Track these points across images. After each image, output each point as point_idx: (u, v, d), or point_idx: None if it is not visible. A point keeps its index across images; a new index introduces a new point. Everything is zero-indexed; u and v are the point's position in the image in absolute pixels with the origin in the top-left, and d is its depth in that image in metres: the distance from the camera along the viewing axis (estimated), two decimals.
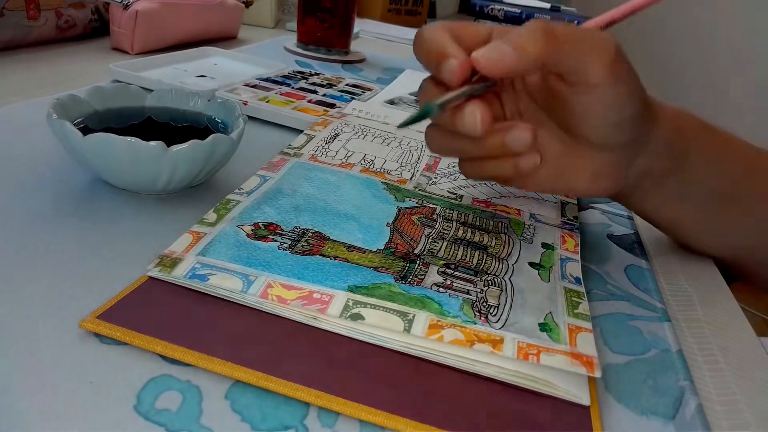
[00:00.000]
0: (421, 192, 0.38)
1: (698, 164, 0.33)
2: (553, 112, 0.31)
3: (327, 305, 0.25)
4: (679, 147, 0.32)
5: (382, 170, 0.40)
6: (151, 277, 0.26)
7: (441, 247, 0.31)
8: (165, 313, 0.24)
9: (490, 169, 0.32)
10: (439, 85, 0.29)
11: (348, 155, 0.41)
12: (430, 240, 0.32)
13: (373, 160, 0.41)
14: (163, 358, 0.22)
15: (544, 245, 0.33)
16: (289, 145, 0.41)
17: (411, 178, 0.39)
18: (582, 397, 0.23)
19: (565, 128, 0.30)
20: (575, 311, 0.27)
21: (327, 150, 0.41)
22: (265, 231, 0.30)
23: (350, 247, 0.30)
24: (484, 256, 0.31)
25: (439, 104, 0.26)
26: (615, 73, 0.27)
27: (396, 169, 0.40)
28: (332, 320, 0.24)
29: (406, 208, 0.35)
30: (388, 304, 0.25)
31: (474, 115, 0.27)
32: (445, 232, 0.33)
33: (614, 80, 0.27)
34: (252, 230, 0.29)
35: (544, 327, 0.26)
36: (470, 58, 0.27)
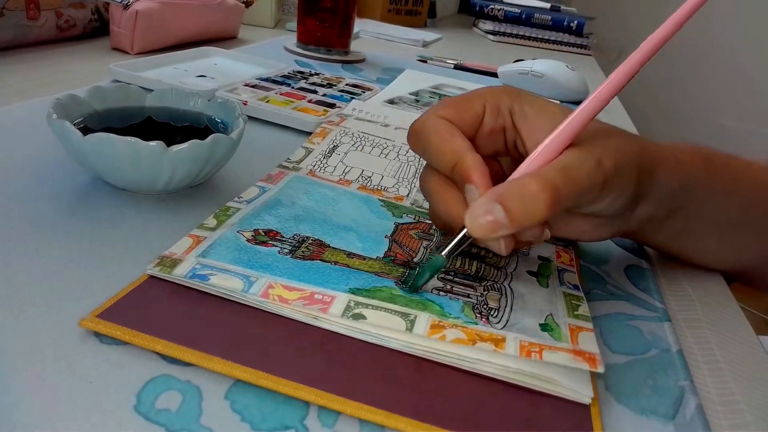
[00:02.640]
0: (417, 208, 0.38)
1: (703, 202, 0.32)
2: None
3: (328, 305, 0.25)
4: (682, 191, 0.31)
5: (379, 187, 0.40)
6: (151, 277, 0.26)
7: None
8: (165, 313, 0.24)
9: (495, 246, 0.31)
10: (447, 182, 0.28)
11: (346, 171, 0.41)
12: (428, 251, 0.32)
13: (370, 177, 0.41)
14: (163, 357, 0.22)
15: (541, 258, 0.33)
16: (288, 158, 0.41)
17: (408, 195, 0.39)
18: (585, 393, 0.22)
19: None
20: (575, 312, 0.27)
21: (325, 165, 0.41)
22: (265, 237, 0.30)
23: (350, 254, 0.30)
24: (482, 265, 0.31)
25: (447, 255, 0.26)
26: (605, 192, 0.26)
27: (393, 186, 0.40)
28: (334, 319, 0.24)
29: (403, 223, 0.35)
30: (390, 306, 0.25)
31: (499, 242, 0.26)
32: (443, 245, 0.33)
33: (604, 196, 0.27)
34: (252, 236, 0.29)
35: (545, 327, 0.26)
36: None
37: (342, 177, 0.40)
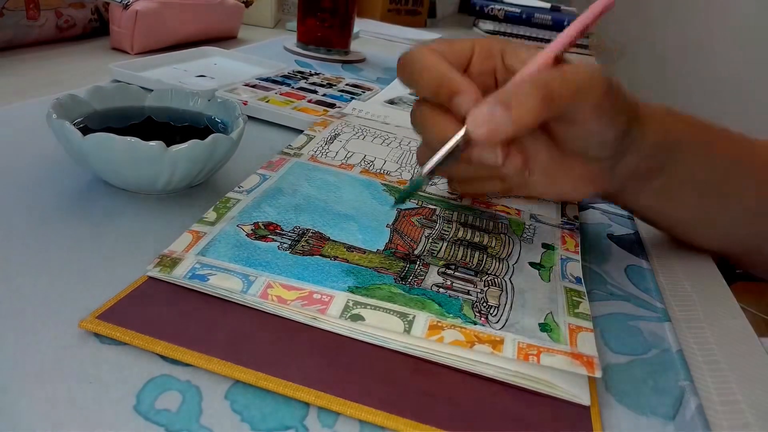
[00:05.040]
0: (420, 193, 0.37)
1: (684, 161, 0.33)
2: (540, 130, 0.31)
3: (327, 306, 0.25)
4: (665, 147, 0.32)
5: (381, 171, 0.40)
6: (150, 277, 0.26)
7: (441, 247, 0.31)
8: (165, 313, 0.24)
9: (479, 187, 0.33)
10: (436, 108, 0.29)
11: (348, 156, 0.41)
12: (430, 241, 0.32)
13: (372, 161, 0.41)
14: (163, 358, 0.22)
15: (545, 245, 0.33)
16: (289, 145, 0.41)
17: (411, 179, 0.39)
18: (582, 397, 0.22)
19: (552, 141, 0.30)
20: (576, 311, 0.27)
21: (327, 150, 0.41)
22: (265, 231, 0.30)
23: (350, 248, 0.30)
24: (484, 256, 0.31)
25: (427, 174, 0.27)
26: (600, 109, 0.27)
27: (396, 170, 0.40)
28: (332, 320, 0.24)
29: (405, 209, 0.35)
30: (388, 305, 0.25)
31: (496, 151, 0.27)
32: (445, 232, 0.33)
33: (599, 115, 0.27)
34: (252, 230, 0.29)
35: (544, 327, 0.26)
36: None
37: (344, 161, 0.40)
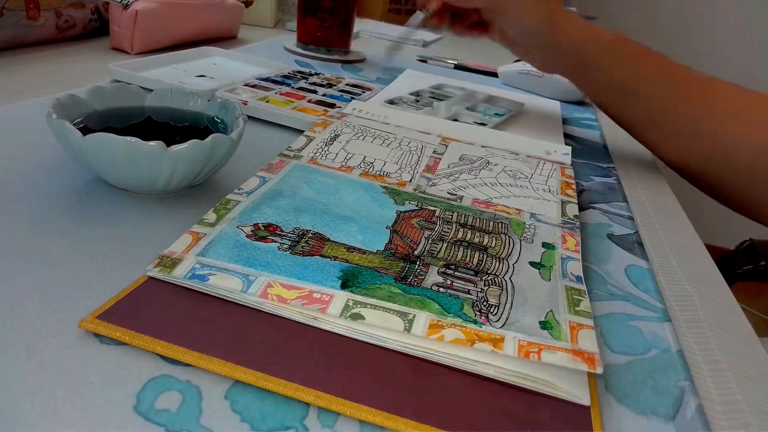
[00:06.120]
0: (420, 194, 0.37)
1: (602, 63, 0.51)
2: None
3: (327, 305, 0.25)
4: (585, 51, 0.51)
5: (381, 173, 0.40)
6: (150, 278, 0.26)
7: (441, 248, 0.31)
8: (165, 313, 0.24)
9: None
10: None
11: (347, 158, 0.41)
12: (429, 242, 0.32)
13: (372, 163, 0.41)
14: (163, 358, 0.22)
15: (545, 245, 0.33)
16: (289, 146, 0.41)
17: (411, 180, 0.39)
18: (582, 397, 0.22)
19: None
20: (576, 309, 0.27)
21: (326, 152, 0.41)
22: (264, 232, 0.30)
23: (350, 248, 0.30)
24: (485, 256, 0.31)
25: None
26: (503, 8, 0.53)
27: (396, 171, 0.40)
28: (332, 320, 0.24)
29: (405, 211, 0.35)
30: (388, 305, 0.25)
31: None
32: (445, 234, 0.33)
33: (502, 12, 0.53)
34: (252, 231, 0.29)
35: (545, 325, 0.26)
36: None
37: (344, 164, 0.40)
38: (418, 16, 0.58)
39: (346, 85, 0.63)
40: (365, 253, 0.29)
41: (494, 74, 0.84)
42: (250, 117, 0.49)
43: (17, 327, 0.22)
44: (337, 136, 0.45)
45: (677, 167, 0.53)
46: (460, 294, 0.27)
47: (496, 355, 0.23)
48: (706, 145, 0.48)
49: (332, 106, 0.53)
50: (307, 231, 0.30)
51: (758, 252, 0.74)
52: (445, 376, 0.23)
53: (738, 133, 0.47)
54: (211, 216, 0.30)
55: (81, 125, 0.34)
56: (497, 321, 0.25)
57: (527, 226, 0.36)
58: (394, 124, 0.51)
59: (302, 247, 0.29)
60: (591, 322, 0.26)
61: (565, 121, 0.67)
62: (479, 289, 0.28)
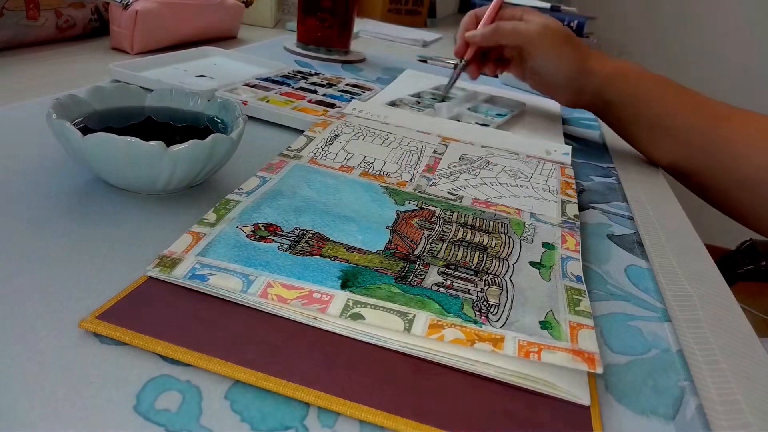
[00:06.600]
0: (420, 194, 0.37)
1: (623, 100, 0.55)
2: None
3: (327, 305, 0.25)
4: (609, 92, 0.55)
5: (381, 173, 0.40)
6: (150, 278, 0.26)
7: (441, 248, 0.31)
8: (165, 313, 0.24)
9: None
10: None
11: (348, 158, 0.41)
12: (429, 242, 0.32)
13: (372, 162, 0.41)
14: (163, 358, 0.22)
15: (545, 245, 0.33)
16: (289, 146, 0.41)
17: (411, 180, 0.39)
18: (582, 397, 0.22)
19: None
20: (576, 308, 0.27)
21: (326, 152, 0.41)
22: (265, 232, 0.30)
23: (350, 248, 0.30)
24: (485, 256, 0.31)
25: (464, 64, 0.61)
26: (544, 52, 0.56)
27: (396, 171, 0.40)
28: (332, 320, 0.24)
29: (405, 211, 0.35)
30: (388, 305, 0.25)
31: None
32: (445, 233, 0.33)
33: (543, 54, 0.56)
34: (252, 231, 0.29)
35: (545, 325, 0.26)
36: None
37: (344, 164, 0.40)
38: (441, 107, 0.59)
39: (346, 85, 0.63)
40: (365, 253, 0.29)
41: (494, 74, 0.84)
42: (250, 117, 0.49)
43: (17, 327, 0.22)
44: (337, 136, 0.45)
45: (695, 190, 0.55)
46: (460, 294, 0.27)
47: (496, 355, 0.23)
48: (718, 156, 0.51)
49: (332, 106, 0.53)
50: (307, 231, 0.30)
51: (759, 252, 0.74)
52: (445, 376, 0.23)
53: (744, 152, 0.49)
54: (211, 216, 0.30)
55: (81, 125, 0.34)
56: (497, 321, 0.25)
57: (527, 226, 0.36)
58: (394, 124, 0.51)
59: (302, 247, 0.29)
60: (591, 322, 0.26)
61: (565, 121, 0.67)
62: (479, 289, 0.28)
